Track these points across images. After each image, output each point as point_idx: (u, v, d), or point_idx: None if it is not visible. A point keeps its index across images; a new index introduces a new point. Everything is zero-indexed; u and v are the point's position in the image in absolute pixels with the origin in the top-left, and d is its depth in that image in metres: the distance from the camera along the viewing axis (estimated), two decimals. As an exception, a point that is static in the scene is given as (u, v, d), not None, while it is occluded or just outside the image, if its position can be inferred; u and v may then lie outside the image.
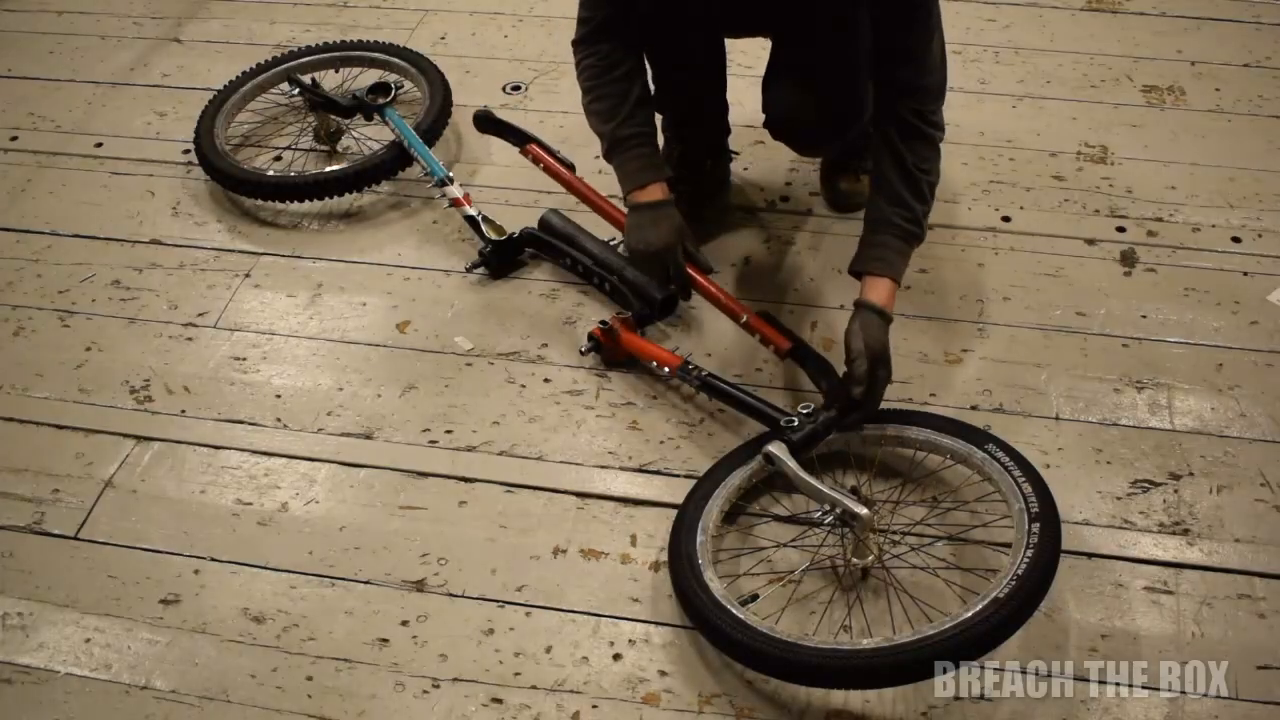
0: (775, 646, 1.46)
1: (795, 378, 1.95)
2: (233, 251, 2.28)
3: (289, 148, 2.48)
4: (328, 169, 2.32)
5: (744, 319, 1.90)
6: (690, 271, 1.92)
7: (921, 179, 1.77)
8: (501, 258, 2.17)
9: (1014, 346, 1.99)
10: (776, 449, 1.67)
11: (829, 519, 1.62)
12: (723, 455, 1.78)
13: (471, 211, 2.19)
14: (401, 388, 1.99)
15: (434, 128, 2.37)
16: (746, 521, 1.76)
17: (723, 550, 1.70)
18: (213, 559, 1.75)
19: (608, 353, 1.98)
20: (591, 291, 2.13)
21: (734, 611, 1.51)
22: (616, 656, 1.61)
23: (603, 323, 1.97)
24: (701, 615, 1.53)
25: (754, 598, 1.60)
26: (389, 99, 2.41)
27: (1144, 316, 2.04)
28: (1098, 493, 1.77)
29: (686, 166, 2.19)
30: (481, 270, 2.17)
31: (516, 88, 2.65)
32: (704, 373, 1.84)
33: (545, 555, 1.73)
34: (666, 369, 1.89)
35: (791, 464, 1.65)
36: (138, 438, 1.93)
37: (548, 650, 1.62)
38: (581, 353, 1.99)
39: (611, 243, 2.13)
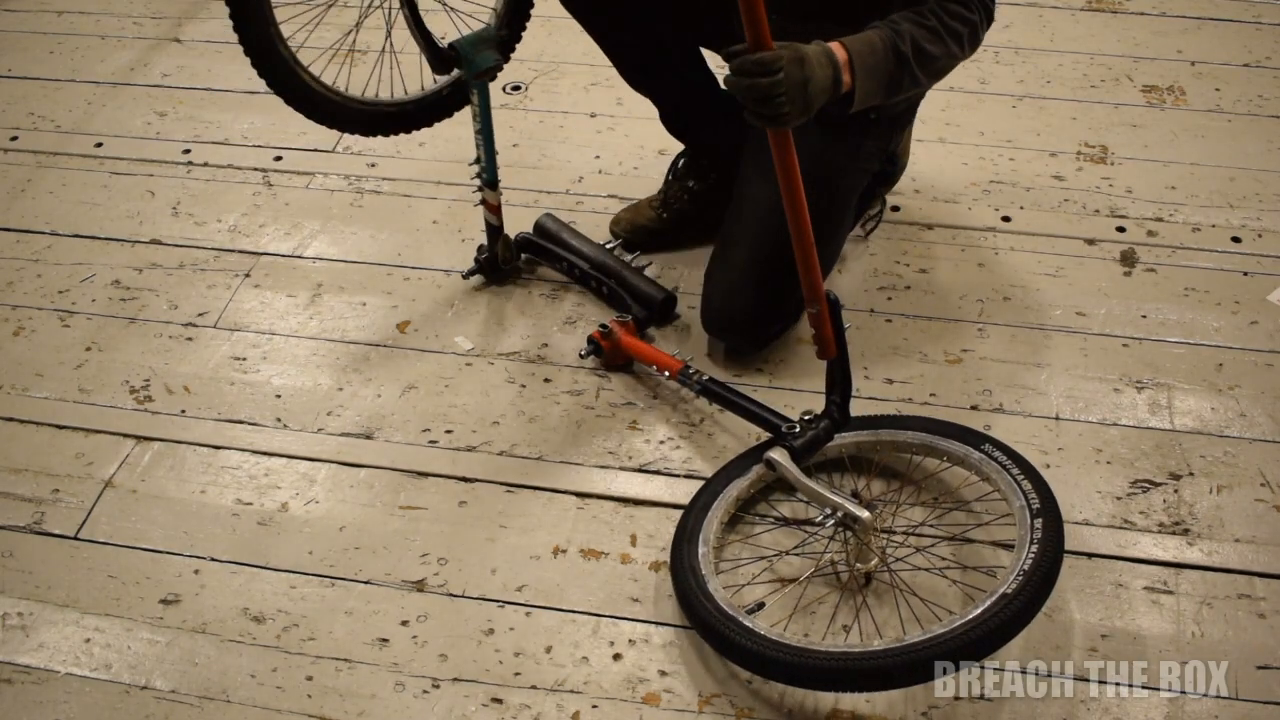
0: (785, 652, 1.45)
1: (795, 378, 1.96)
2: (233, 251, 2.28)
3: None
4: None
5: (814, 309, 1.65)
6: None
7: (937, 23, 1.66)
8: (498, 271, 2.16)
9: (1014, 346, 1.99)
10: (778, 454, 1.66)
11: (830, 522, 1.62)
12: (723, 465, 1.77)
13: (498, 223, 2.11)
14: (401, 388, 1.99)
15: None
16: (748, 530, 1.75)
17: (725, 560, 1.69)
18: (213, 559, 1.75)
19: (607, 356, 1.98)
20: (594, 298, 2.13)
21: (741, 620, 1.51)
22: (616, 656, 1.61)
23: (602, 326, 1.97)
24: (708, 625, 1.53)
25: (760, 606, 1.60)
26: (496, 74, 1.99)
27: (1144, 316, 2.04)
28: (1098, 493, 1.77)
29: (702, 169, 2.18)
30: (479, 278, 2.17)
31: (517, 88, 2.65)
32: (705, 378, 1.84)
33: (545, 555, 1.73)
34: (666, 373, 1.89)
35: (793, 469, 1.65)
36: (138, 438, 1.93)
37: (548, 650, 1.62)
38: (581, 356, 1.99)
39: (607, 245, 2.14)
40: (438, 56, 1.89)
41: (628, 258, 2.11)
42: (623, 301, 2.04)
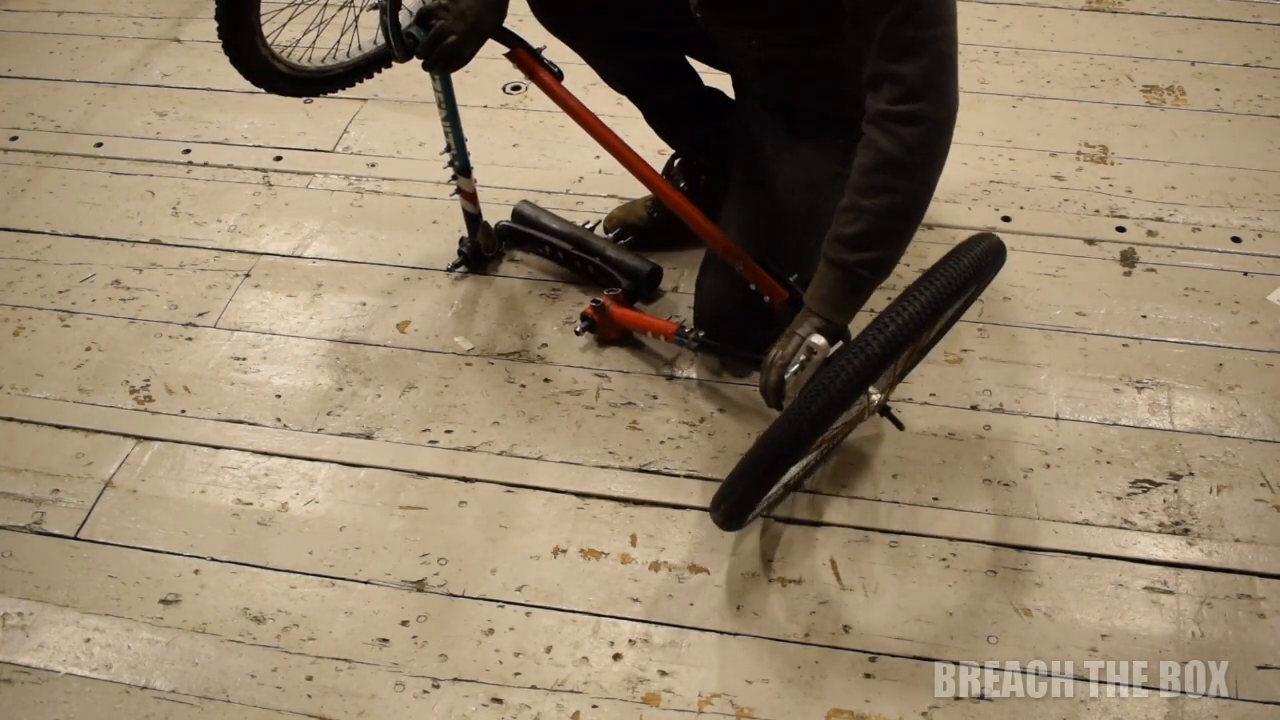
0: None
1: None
2: (233, 251, 2.28)
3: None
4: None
5: (740, 265, 1.77)
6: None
7: (850, 195, 1.51)
8: (482, 259, 2.19)
9: (1014, 346, 1.99)
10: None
11: (795, 368, 1.53)
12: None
13: (476, 211, 2.14)
14: (401, 388, 1.99)
15: None
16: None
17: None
18: (213, 559, 1.75)
19: (602, 330, 2.00)
20: (592, 291, 2.13)
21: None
22: (616, 656, 1.61)
23: (594, 300, 1.99)
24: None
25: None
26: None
27: (1144, 316, 2.04)
28: (1098, 493, 1.77)
29: (693, 170, 2.18)
30: (462, 269, 2.17)
31: (516, 88, 2.65)
32: (700, 334, 1.86)
33: (545, 555, 1.73)
34: (662, 336, 1.90)
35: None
36: (138, 438, 1.93)
37: (548, 650, 1.62)
38: (576, 333, 2.00)
39: (586, 226, 2.15)
40: (402, 46, 1.87)
41: (609, 236, 2.15)
42: (609, 278, 2.06)
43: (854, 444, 1.85)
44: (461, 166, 2.07)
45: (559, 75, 1.91)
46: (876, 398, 1.65)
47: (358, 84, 2.19)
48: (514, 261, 2.21)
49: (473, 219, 2.15)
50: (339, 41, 2.12)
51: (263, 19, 1.96)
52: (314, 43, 2.10)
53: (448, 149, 2.04)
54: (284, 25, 2.04)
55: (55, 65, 2.83)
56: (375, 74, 2.20)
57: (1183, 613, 1.62)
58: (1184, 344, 1.99)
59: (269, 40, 1.98)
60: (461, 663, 1.61)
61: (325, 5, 2.13)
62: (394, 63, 2.00)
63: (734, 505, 1.54)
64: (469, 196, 2.11)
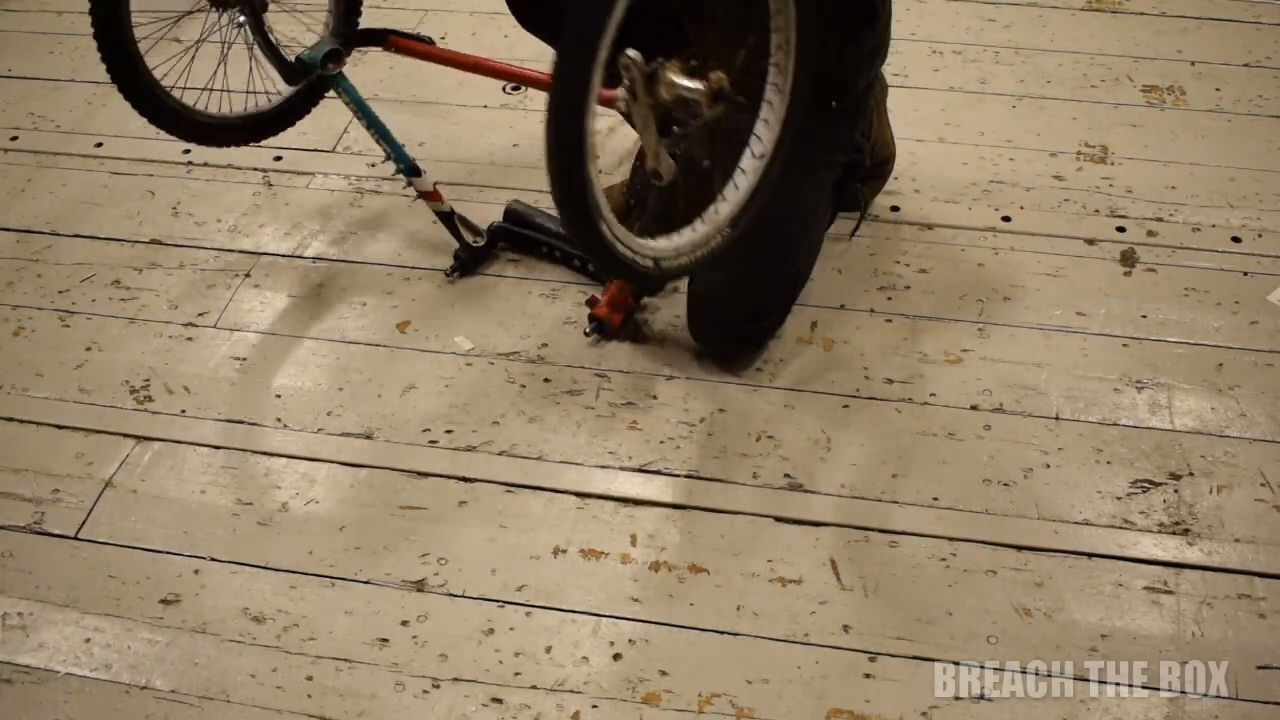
0: None
1: (795, 379, 1.95)
2: (233, 251, 2.28)
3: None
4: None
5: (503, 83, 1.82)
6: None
7: None
8: (477, 258, 2.19)
9: (1014, 346, 2.00)
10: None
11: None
12: None
13: (446, 209, 2.14)
14: (401, 388, 1.99)
15: None
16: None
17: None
18: (213, 559, 1.75)
19: (608, 322, 2.00)
20: (591, 289, 2.13)
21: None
22: (616, 656, 1.61)
23: (589, 300, 2.01)
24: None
25: None
26: (341, 66, 2.06)
27: (1144, 316, 2.04)
28: (1098, 493, 1.77)
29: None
30: (458, 275, 2.18)
31: (516, 88, 2.65)
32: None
33: (545, 555, 1.73)
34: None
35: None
36: (138, 438, 1.93)
37: (548, 650, 1.62)
38: (586, 334, 2.01)
39: None
40: (288, 69, 2.02)
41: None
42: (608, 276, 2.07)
43: (854, 443, 1.85)
44: (407, 168, 2.06)
45: (430, 42, 1.99)
46: (691, 84, 1.51)
47: (299, 119, 2.21)
48: (512, 261, 2.21)
49: (446, 217, 2.13)
50: (249, 81, 2.13)
51: (167, 69, 2.02)
52: (247, 86, 2.12)
53: (387, 157, 2.04)
54: (187, 68, 2.07)
55: (55, 65, 2.84)
56: (311, 108, 2.22)
57: (1183, 613, 1.62)
58: (1184, 344, 1.99)
59: (172, 91, 2.03)
60: (461, 663, 1.61)
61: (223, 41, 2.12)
62: (287, 84, 2.07)
63: (560, 199, 1.49)
64: (431, 196, 2.10)
